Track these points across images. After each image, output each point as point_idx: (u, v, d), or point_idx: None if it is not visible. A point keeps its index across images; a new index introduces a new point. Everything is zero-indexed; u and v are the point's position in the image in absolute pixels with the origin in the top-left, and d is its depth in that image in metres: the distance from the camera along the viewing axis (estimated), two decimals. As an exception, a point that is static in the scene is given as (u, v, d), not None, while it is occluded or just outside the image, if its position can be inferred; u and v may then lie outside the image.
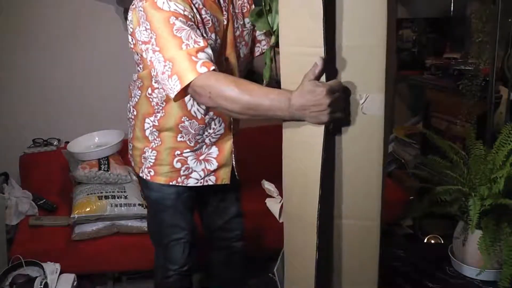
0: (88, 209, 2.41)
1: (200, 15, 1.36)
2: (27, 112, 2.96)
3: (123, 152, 2.84)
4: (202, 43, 1.24)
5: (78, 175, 2.59)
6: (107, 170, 2.58)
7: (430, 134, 1.64)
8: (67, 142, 2.85)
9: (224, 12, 1.45)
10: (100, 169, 2.59)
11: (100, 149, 2.70)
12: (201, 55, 1.22)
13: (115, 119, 3.01)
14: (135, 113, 1.55)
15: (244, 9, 1.53)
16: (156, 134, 1.52)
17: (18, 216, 2.58)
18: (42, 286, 2.05)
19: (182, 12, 1.28)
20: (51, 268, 2.13)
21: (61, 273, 2.15)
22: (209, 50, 1.24)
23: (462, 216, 1.44)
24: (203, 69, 1.19)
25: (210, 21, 1.39)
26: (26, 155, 2.86)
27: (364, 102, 0.99)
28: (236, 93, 1.14)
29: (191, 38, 1.24)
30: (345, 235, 1.07)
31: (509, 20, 2.44)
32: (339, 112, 1.05)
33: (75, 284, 2.15)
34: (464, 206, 1.41)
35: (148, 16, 1.28)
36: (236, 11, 1.50)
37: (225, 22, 1.45)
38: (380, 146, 1.00)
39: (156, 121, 1.50)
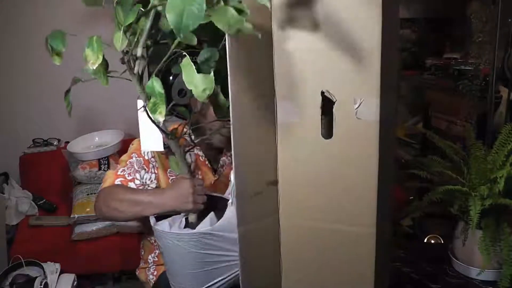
0: (88, 209, 2.42)
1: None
2: (27, 112, 2.96)
3: (123, 152, 2.84)
4: (129, 178, 1.46)
5: (78, 175, 2.60)
6: (107, 170, 2.58)
7: (430, 134, 1.64)
8: (67, 142, 2.86)
9: (216, 175, 1.60)
10: (100, 169, 2.60)
11: (100, 149, 2.70)
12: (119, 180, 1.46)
13: (115, 119, 3.02)
14: (142, 252, 1.69)
15: None
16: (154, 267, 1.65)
17: (18, 216, 2.58)
18: (42, 286, 2.05)
19: (147, 158, 1.50)
20: (51, 268, 2.13)
21: (61, 273, 2.15)
22: (132, 184, 1.47)
23: (462, 216, 1.44)
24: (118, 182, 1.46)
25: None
26: (26, 155, 2.86)
27: (358, 106, 0.98)
28: (123, 190, 1.42)
29: (127, 171, 1.48)
30: (341, 241, 1.07)
31: (509, 20, 2.44)
32: (202, 200, 1.28)
33: (75, 284, 2.15)
34: (464, 206, 1.41)
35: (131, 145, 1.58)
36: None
37: (215, 179, 1.59)
38: (376, 151, 0.98)
39: (156, 257, 1.63)
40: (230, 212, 1.21)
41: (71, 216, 2.42)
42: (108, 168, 2.60)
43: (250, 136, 1.01)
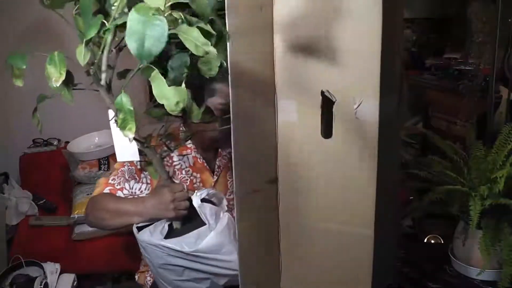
0: (88, 209, 2.41)
1: (181, 174, 1.55)
2: (27, 112, 2.95)
3: (123, 152, 2.85)
4: (118, 187, 1.47)
5: (78, 175, 2.60)
6: (107, 170, 2.58)
7: (430, 134, 1.64)
8: (67, 142, 2.85)
9: (215, 176, 1.58)
10: (100, 169, 2.59)
11: (100, 149, 2.70)
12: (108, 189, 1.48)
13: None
14: (143, 256, 1.68)
15: None
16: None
17: (18, 216, 2.58)
18: (42, 286, 2.04)
19: (140, 167, 1.49)
20: (51, 268, 2.13)
21: (61, 273, 2.14)
22: (120, 193, 1.47)
23: (462, 216, 1.44)
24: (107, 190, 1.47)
25: (188, 180, 1.55)
26: (26, 155, 2.86)
27: (357, 107, 0.98)
28: (108, 199, 1.43)
29: (117, 180, 1.49)
30: (339, 241, 1.07)
31: (509, 20, 2.44)
32: (184, 206, 1.25)
33: (75, 284, 2.15)
34: (464, 206, 1.41)
35: None
36: None
37: (214, 180, 1.58)
38: (374, 152, 0.98)
39: None
40: (211, 238, 1.22)
41: (71, 216, 2.42)
42: (108, 168, 2.60)
43: (250, 134, 1.01)
